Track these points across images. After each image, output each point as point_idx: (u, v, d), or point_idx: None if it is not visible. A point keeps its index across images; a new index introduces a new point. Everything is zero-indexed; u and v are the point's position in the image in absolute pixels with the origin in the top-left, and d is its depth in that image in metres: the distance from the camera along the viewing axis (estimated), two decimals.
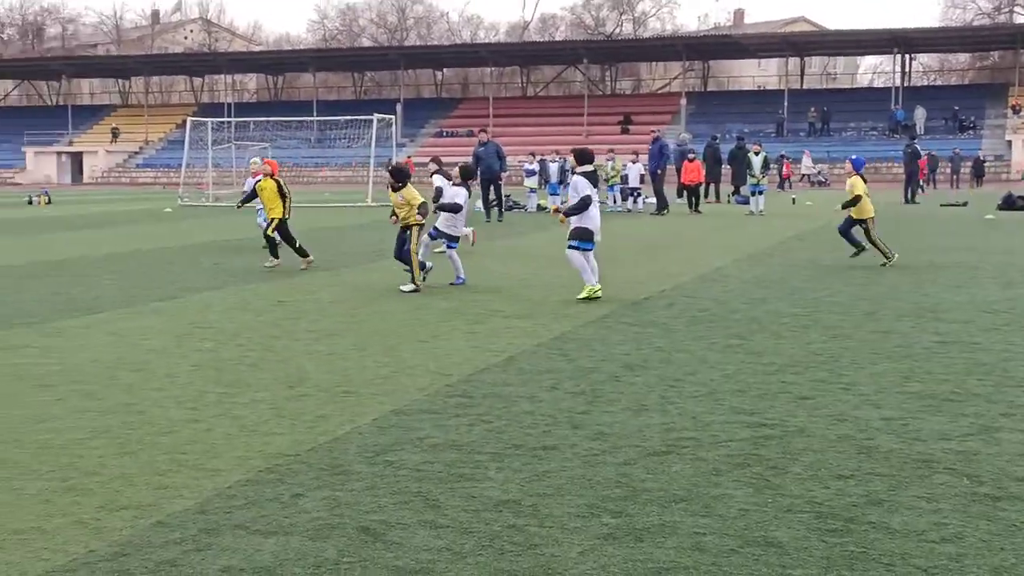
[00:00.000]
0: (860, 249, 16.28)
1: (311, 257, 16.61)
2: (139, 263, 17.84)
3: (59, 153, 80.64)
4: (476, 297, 13.13)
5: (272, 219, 16.47)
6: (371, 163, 41.68)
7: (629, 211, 32.39)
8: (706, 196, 34.87)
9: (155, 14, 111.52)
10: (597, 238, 12.75)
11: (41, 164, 79.33)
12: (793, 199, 38.71)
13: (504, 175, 28.85)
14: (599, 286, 12.60)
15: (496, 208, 28.46)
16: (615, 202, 33.31)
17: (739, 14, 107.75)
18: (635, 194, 32.93)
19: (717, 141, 39.94)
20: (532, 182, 34.04)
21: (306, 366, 8.97)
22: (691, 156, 33.11)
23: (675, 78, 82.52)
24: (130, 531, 5.05)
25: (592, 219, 12.61)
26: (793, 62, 76.07)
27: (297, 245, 16.53)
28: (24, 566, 4.63)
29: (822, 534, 4.96)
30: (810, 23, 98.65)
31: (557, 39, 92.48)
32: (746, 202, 32.55)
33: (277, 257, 16.56)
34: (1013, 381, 8.10)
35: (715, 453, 6.29)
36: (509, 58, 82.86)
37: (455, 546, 4.85)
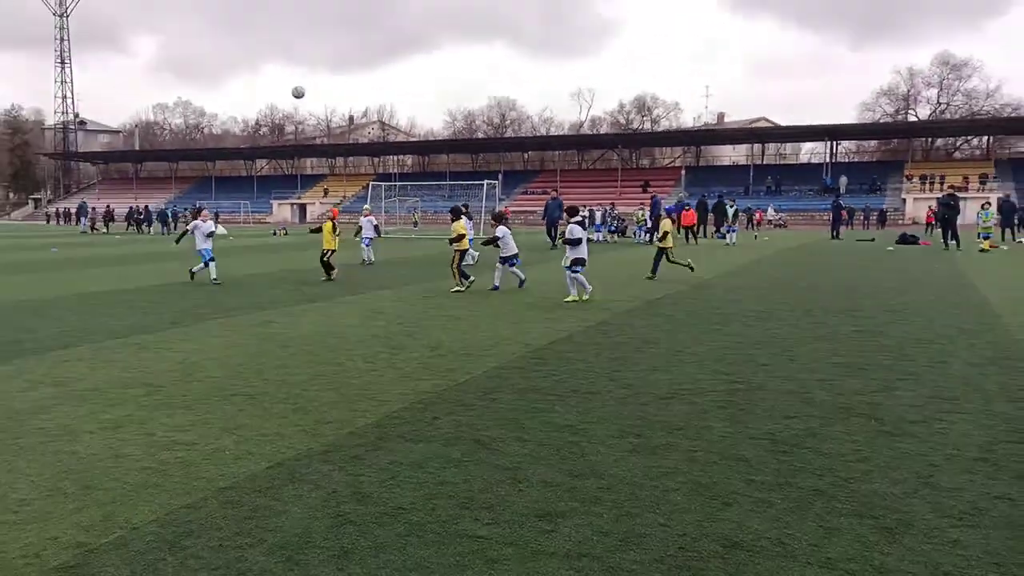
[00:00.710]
0: (654, 275, 15.82)
1: (336, 271, 15.72)
2: (339, 272, 18.09)
3: (292, 204, 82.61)
4: (547, 296, 13.10)
5: (327, 250, 15.60)
6: (482, 211, 41.76)
7: (648, 243, 32.07)
8: (696, 233, 34.24)
9: (350, 118, 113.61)
10: (586, 263, 12.41)
11: (281, 211, 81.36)
12: (755, 236, 37.75)
13: (561, 221, 28.42)
14: (582, 297, 12.21)
15: (555, 239, 28.07)
16: (639, 237, 32.96)
17: (720, 116, 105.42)
18: (652, 233, 32.74)
19: (705, 198, 39.13)
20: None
21: (441, 337, 9.05)
22: (687, 207, 32.76)
23: (678, 157, 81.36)
24: (333, 437, 5.16)
25: (584, 251, 12.34)
26: (757, 147, 74.88)
27: (326, 261, 15.57)
28: (271, 456, 4.76)
29: (775, 454, 4.85)
30: (768, 121, 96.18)
31: (601, 132, 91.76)
32: (723, 237, 31.92)
33: (331, 272, 15.55)
34: (907, 357, 7.81)
35: (703, 399, 6.19)
36: (570, 145, 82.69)
37: (535, 453, 4.86)
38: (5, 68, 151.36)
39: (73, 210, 67.29)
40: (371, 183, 49.75)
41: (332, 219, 16.05)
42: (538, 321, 10.33)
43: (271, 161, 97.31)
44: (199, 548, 3.57)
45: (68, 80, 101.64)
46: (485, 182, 42.40)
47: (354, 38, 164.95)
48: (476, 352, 8.13)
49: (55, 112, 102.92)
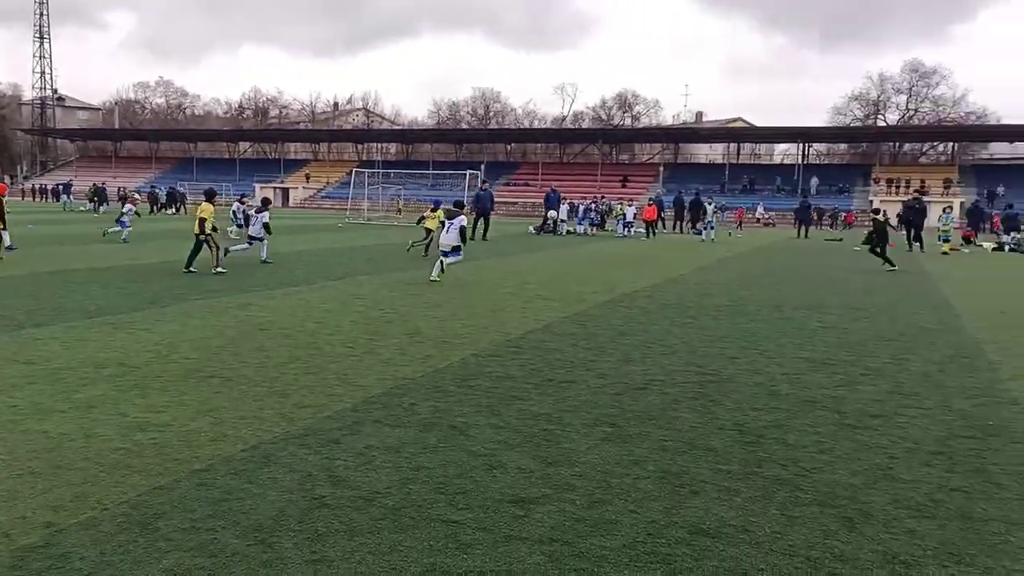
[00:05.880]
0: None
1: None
2: (320, 257, 17.96)
3: (275, 188, 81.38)
4: (527, 287, 13.08)
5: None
6: (464, 200, 41.35)
7: (625, 237, 32.21)
8: (674, 229, 34.35)
9: (335, 104, 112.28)
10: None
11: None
12: (729, 233, 37.93)
13: (491, 212, 26.85)
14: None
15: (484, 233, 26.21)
16: (620, 231, 33.08)
17: (699, 115, 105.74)
18: (630, 227, 32.96)
19: (682, 195, 39.31)
20: (564, 215, 34.14)
21: (420, 324, 8.99)
22: (649, 203, 33.16)
23: (656, 153, 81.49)
24: (311, 421, 5.10)
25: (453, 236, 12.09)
26: (733, 146, 75.43)
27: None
28: (246, 438, 4.70)
29: (742, 444, 4.89)
30: (744, 122, 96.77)
31: (583, 127, 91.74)
32: (699, 234, 32.08)
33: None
34: (870, 354, 7.90)
35: (675, 390, 6.22)
36: (552, 138, 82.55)
37: (510, 440, 4.84)
38: None
39: (50, 187, 66.14)
40: (354, 169, 49.19)
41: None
42: (516, 310, 10.31)
43: (254, 144, 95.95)
44: (170, 530, 3.51)
45: (47, 55, 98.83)
46: (468, 172, 42.19)
47: (337, 23, 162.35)
48: (453, 339, 8.08)
49: (32, 87, 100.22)
